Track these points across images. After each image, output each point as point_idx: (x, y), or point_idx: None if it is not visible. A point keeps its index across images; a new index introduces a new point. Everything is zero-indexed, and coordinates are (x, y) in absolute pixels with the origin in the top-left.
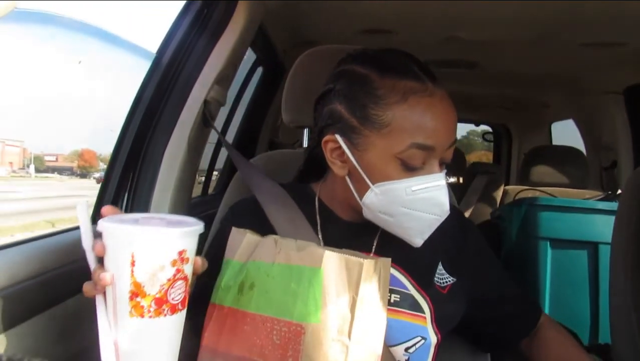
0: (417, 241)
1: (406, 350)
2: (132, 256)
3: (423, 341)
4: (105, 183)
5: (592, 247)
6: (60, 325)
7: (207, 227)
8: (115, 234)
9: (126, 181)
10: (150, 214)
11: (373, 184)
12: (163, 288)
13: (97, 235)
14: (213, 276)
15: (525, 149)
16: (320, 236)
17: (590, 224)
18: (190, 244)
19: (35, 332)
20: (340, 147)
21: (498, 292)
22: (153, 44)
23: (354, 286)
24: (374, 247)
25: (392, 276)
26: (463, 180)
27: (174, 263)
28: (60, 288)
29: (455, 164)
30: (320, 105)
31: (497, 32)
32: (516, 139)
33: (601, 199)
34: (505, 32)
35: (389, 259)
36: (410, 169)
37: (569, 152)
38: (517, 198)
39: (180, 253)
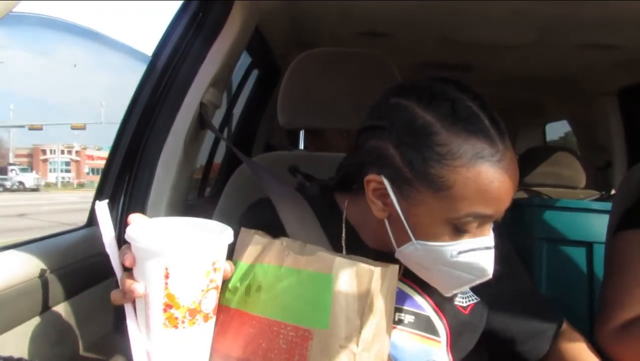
0: (447, 293)
1: None
2: (166, 269)
3: None
4: (101, 184)
5: (587, 247)
6: (57, 327)
7: None
8: (147, 246)
9: (123, 182)
10: (175, 218)
11: (416, 239)
12: (197, 299)
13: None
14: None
15: (520, 150)
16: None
17: (585, 224)
18: (222, 254)
19: (32, 334)
20: (384, 189)
21: (521, 306)
22: (149, 47)
23: (364, 293)
24: (401, 270)
25: (408, 296)
26: None
27: (207, 274)
28: (58, 290)
29: None
30: (365, 137)
31: (494, 35)
32: (511, 140)
33: (595, 200)
34: (501, 35)
35: (397, 266)
36: (460, 233)
37: (563, 153)
38: (512, 198)
39: (213, 263)
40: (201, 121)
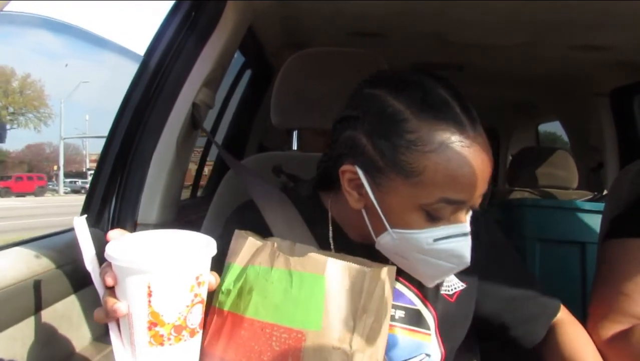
0: (429, 284)
1: None
2: (149, 288)
3: (427, 358)
4: (93, 185)
5: (580, 247)
6: (48, 329)
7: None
8: (128, 265)
9: (114, 183)
10: (156, 231)
11: (391, 228)
12: (182, 315)
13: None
14: None
15: (513, 151)
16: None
17: (577, 224)
18: (205, 267)
19: (23, 336)
20: (359, 179)
21: (514, 291)
22: (141, 46)
23: (357, 294)
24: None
25: (398, 292)
26: None
27: (191, 289)
28: (49, 291)
29: None
30: (340, 128)
31: (487, 35)
32: (504, 140)
33: (588, 200)
34: (494, 35)
35: (394, 268)
36: (434, 219)
37: (556, 153)
38: (505, 199)
39: (197, 277)
40: (194, 121)
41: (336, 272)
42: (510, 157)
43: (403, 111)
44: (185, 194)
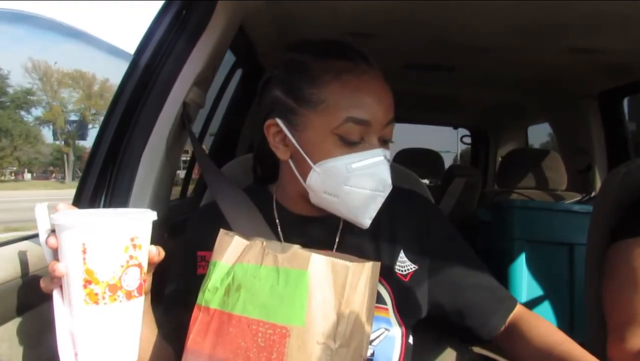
0: (365, 221)
1: (370, 342)
2: (84, 245)
3: (386, 332)
4: (81, 184)
5: (568, 248)
6: (36, 330)
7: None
8: (65, 225)
9: (103, 182)
10: (106, 209)
11: (314, 163)
12: (116, 275)
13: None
14: (175, 277)
15: (503, 152)
16: (281, 237)
17: (566, 226)
18: (141, 231)
19: (10, 337)
20: (281, 130)
21: (466, 280)
22: (131, 45)
23: (340, 289)
24: (335, 243)
25: None
26: (441, 183)
27: (126, 250)
28: (35, 292)
29: (433, 166)
30: (263, 94)
31: (479, 38)
32: (493, 142)
33: (577, 202)
34: (486, 38)
35: (379, 264)
36: (348, 144)
37: (545, 155)
38: (494, 200)
39: (132, 239)
40: (184, 121)
41: (319, 267)
42: (499, 159)
43: (305, 59)
44: (175, 194)
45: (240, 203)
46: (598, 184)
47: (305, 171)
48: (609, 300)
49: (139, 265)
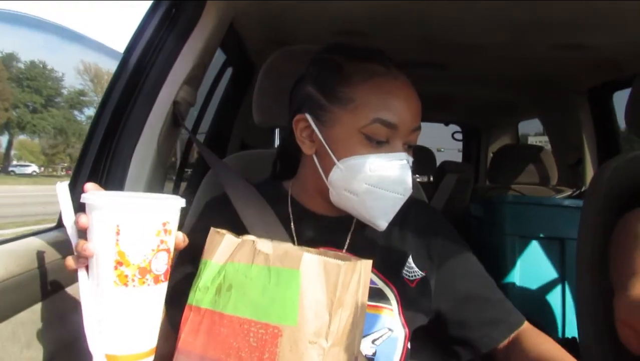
0: (382, 223)
1: (373, 341)
2: (117, 227)
3: (390, 333)
4: (73, 183)
5: (559, 243)
6: (27, 331)
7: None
8: (100, 206)
9: (95, 181)
10: (134, 193)
11: (338, 160)
12: (147, 258)
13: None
14: (182, 271)
15: (494, 148)
16: (294, 232)
17: (557, 220)
18: (173, 216)
19: (2, 339)
20: (309, 126)
21: (472, 293)
22: (120, 43)
23: (332, 288)
24: (347, 243)
25: None
26: (433, 179)
27: (157, 234)
28: (28, 293)
29: (425, 163)
30: (295, 91)
31: (469, 35)
32: (485, 138)
33: (567, 197)
34: (476, 35)
35: (370, 262)
36: (373, 144)
37: (535, 150)
38: (486, 196)
39: (164, 224)
40: (175, 119)
41: (311, 266)
42: (491, 155)
43: (338, 59)
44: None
45: (249, 196)
46: (588, 178)
47: (328, 167)
48: (617, 264)
49: (168, 250)
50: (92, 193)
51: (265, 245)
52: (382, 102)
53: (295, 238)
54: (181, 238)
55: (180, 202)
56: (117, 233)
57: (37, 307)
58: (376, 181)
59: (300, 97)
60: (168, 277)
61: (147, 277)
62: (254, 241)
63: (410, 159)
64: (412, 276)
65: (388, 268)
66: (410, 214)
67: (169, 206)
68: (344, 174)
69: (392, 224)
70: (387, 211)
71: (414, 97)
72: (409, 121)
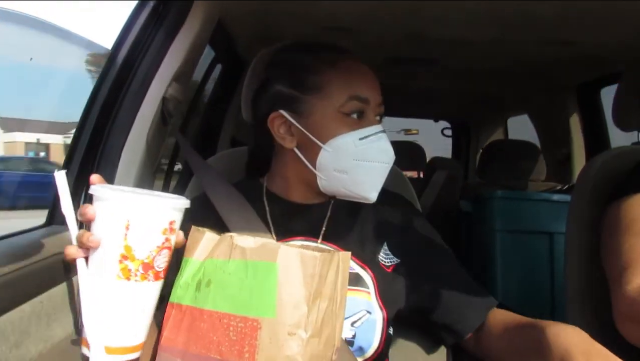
0: (373, 195)
1: (352, 324)
2: (128, 221)
3: (368, 315)
4: None
5: (548, 237)
6: (17, 330)
7: None
8: (112, 200)
9: (83, 180)
10: (141, 189)
11: (324, 143)
12: (152, 255)
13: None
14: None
15: (483, 144)
16: (270, 225)
17: (546, 215)
18: (179, 216)
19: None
20: (286, 121)
21: (446, 278)
22: (108, 40)
23: (309, 280)
24: (322, 229)
25: None
26: (423, 175)
27: (164, 232)
28: (16, 292)
29: (415, 158)
30: (259, 96)
31: (458, 30)
32: (474, 134)
33: (556, 191)
34: (464, 31)
35: (349, 253)
36: (353, 121)
37: (524, 146)
38: (475, 192)
39: (171, 223)
40: (164, 117)
41: (288, 258)
42: (480, 151)
43: (299, 55)
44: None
45: (230, 195)
46: (577, 173)
47: (314, 154)
48: (609, 254)
49: (170, 248)
50: (101, 186)
51: (242, 240)
52: (353, 81)
53: (272, 230)
54: (181, 237)
55: (186, 202)
56: (127, 228)
57: (27, 306)
58: (362, 154)
59: (270, 98)
60: (166, 275)
61: (149, 273)
62: (232, 237)
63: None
64: (388, 262)
65: (365, 253)
66: (384, 204)
67: (177, 205)
68: (332, 155)
69: (367, 213)
70: (376, 181)
71: (372, 73)
72: (376, 95)
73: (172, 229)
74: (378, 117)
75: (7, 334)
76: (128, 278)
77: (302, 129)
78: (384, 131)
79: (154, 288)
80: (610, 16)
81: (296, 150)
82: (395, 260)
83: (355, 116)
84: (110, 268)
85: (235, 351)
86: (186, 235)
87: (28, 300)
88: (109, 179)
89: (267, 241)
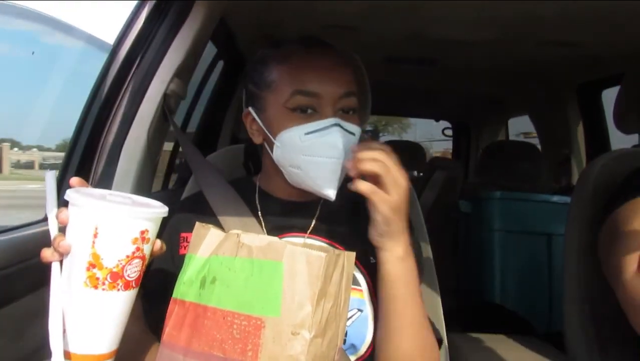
0: (330, 192)
1: None
2: (96, 228)
3: (359, 313)
4: (61, 178)
5: (546, 238)
6: (13, 325)
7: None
8: (81, 205)
9: (84, 175)
10: (118, 192)
11: (274, 138)
12: (120, 263)
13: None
14: (157, 264)
15: (483, 145)
16: (262, 221)
17: (544, 216)
18: (152, 226)
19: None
20: (254, 118)
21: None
22: (110, 35)
23: (314, 280)
24: (311, 226)
25: None
26: (423, 175)
27: (134, 241)
28: (12, 288)
29: (415, 158)
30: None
31: (458, 31)
32: (474, 134)
33: (555, 193)
34: (466, 31)
35: (353, 254)
36: (302, 116)
37: (524, 147)
38: (475, 192)
39: (142, 232)
40: (165, 113)
41: (294, 258)
42: (480, 151)
43: (266, 52)
44: (157, 185)
45: (226, 193)
46: (576, 175)
47: (272, 149)
48: (618, 259)
49: (143, 257)
50: (76, 189)
51: (249, 238)
52: (297, 76)
53: (263, 227)
54: (159, 246)
55: (162, 210)
56: (95, 235)
57: (24, 301)
58: (309, 149)
59: (245, 96)
60: (139, 283)
61: (118, 282)
62: (238, 235)
63: (349, 124)
64: None
65: (357, 251)
66: None
67: (151, 214)
68: (282, 150)
69: (359, 209)
70: (329, 178)
71: (334, 65)
72: (332, 88)
73: (144, 239)
74: (350, 112)
75: (3, 329)
76: (95, 287)
77: (260, 124)
78: (336, 125)
79: (124, 297)
80: (610, 17)
81: (265, 145)
82: None
83: (301, 111)
84: (78, 275)
85: (239, 349)
86: (178, 238)
87: (23, 297)
88: (109, 176)
89: (274, 240)
